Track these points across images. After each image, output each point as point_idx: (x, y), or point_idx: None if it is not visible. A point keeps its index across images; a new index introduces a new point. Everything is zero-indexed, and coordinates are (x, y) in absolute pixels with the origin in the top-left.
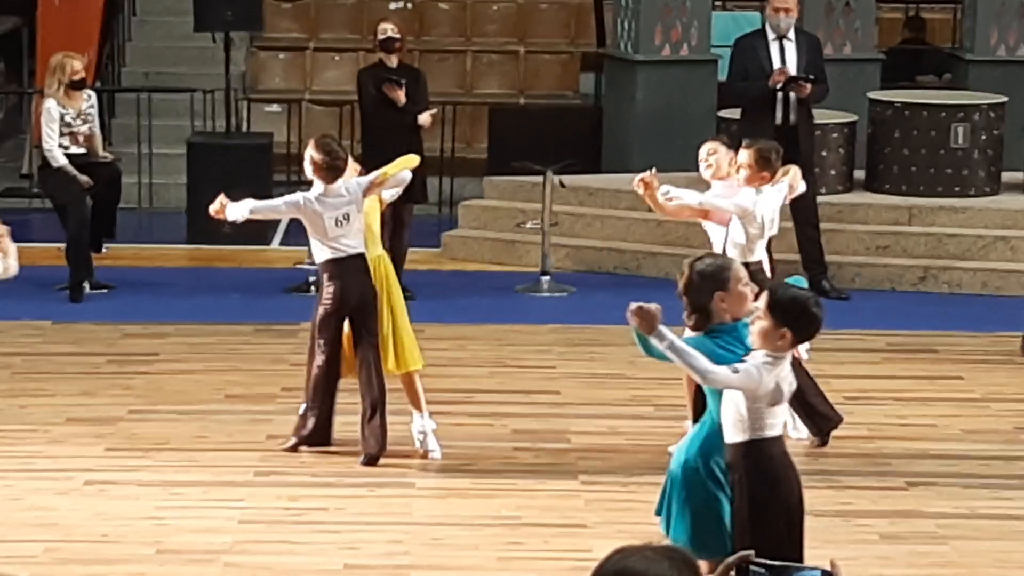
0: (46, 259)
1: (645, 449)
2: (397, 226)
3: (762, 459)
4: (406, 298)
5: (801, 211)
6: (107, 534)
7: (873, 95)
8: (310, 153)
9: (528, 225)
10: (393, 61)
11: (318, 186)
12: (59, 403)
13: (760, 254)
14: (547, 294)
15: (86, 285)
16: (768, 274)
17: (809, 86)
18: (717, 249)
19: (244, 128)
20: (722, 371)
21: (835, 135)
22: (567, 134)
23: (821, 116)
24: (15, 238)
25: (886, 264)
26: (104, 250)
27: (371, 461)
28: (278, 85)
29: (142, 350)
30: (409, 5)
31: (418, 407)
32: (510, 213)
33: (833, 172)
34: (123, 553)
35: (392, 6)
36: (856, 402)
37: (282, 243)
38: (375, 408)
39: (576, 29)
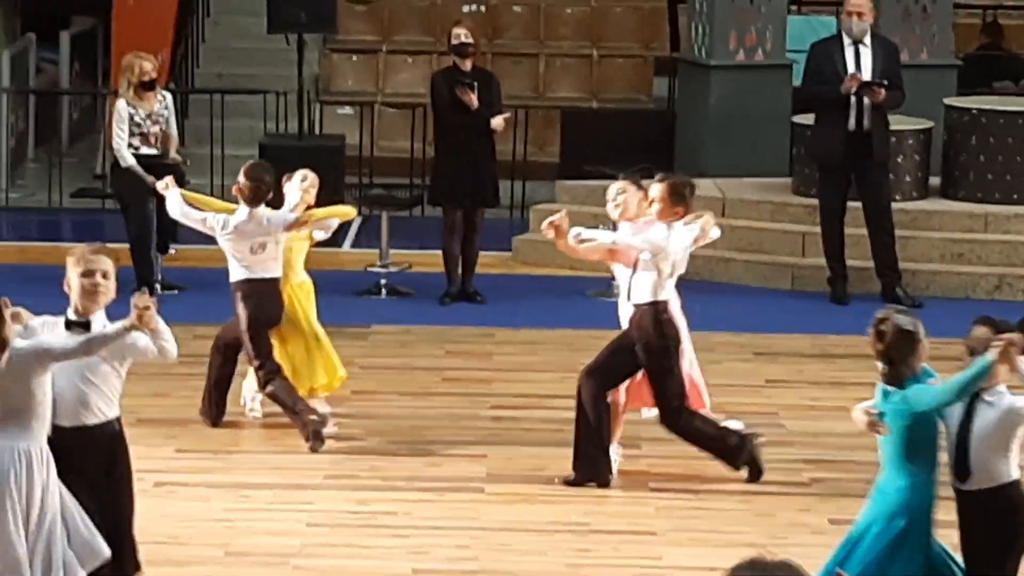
0: (120, 260)
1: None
2: (468, 231)
3: None
4: (476, 301)
5: (875, 217)
6: (176, 536)
7: (949, 101)
8: (239, 178)
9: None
10: (467, 65)
11: (242, 211)
12: (130, 404)
13: (670, 293)
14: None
15: (157, 286)
16: (679, 313)
17: (883, 92)
18: (623, 290)
19: (316, 130)
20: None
21: (911, 141)
22: (640, 138)
23: (897, 122)
24: (92, 236)
25: (961, 272)
26: (171, 251)
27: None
28: (351, 87)
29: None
30: (482, 8)
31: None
32: (582, 217)
33: (908, 178)
34: (192, 555)
35: (465, 9)
36: None
37: (353, 246)
38: None
39: (649, 33)
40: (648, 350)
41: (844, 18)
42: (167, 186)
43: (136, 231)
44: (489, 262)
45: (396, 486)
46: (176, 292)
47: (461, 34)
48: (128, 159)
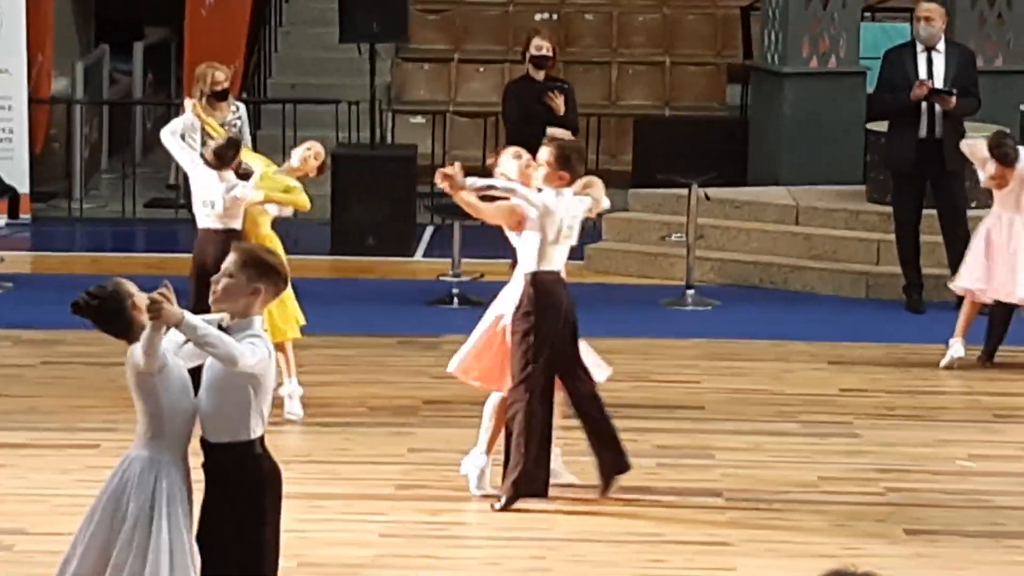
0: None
1: (790, 466)
2: None
3: None
4: None
5: (950, 225)
6: None
7: None
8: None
9: (673, 238)
10: (540, 76)
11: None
12: None
13: (558, 264)
14: (692, 308)
15: None
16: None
17: (953, 99)
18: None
19: (388, 139)
20: None
21: None
22: (712, 146)
23: (972, 129)
24: (165, 247)
25: None
26: None
27: None
28: (422, 96)
29: None
30: (555, 17)
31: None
32: (655, 226)
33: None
34: None
35: (537, 17)
36: (1007, 420)
37: (425, 255)
38: None
39: (722, 40)
40: (514, 316)
41: (915, 24)
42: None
43: None
44: None
45: (468, 496)
46: None
47: (543, 46)
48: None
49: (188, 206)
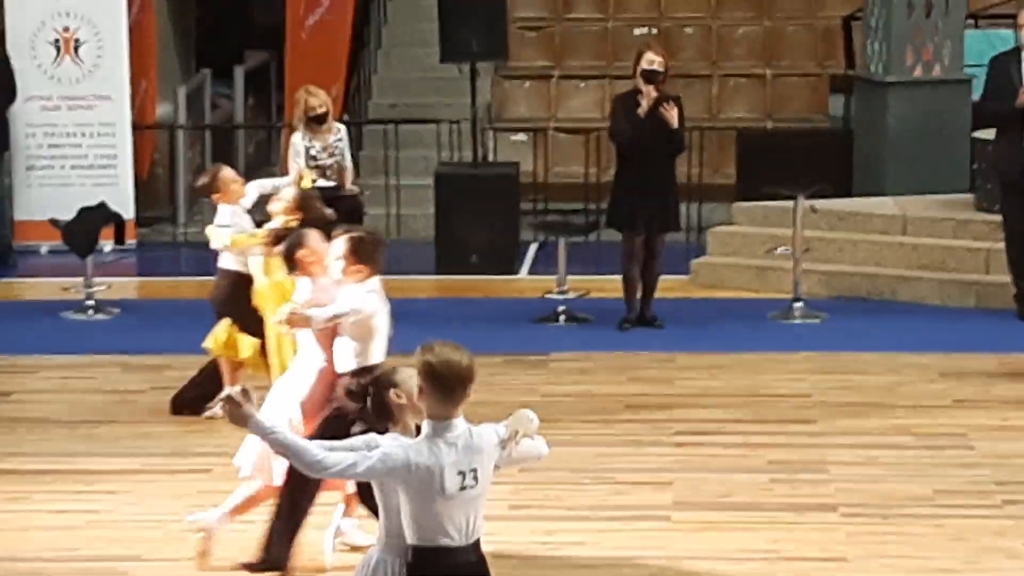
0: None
1: (906, 479)
2: (648, 256)
3: None
4: (655, 327)
5: None
6: None
7: None
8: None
9: (779, 251)
10: (650, 90)
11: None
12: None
13: (381, 355)
14: (800, 321)
15: None
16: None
17: None
18: (320, 360)
19: (490, 158)
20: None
21: None
22: (817, 158)
23: None
24: None
25: None
26: None
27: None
28: (523, 114)
29: None
30: (655, 31)
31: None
32: (760, 239)
33: None
34: None
35: (637, 32)
36: None
37: (530, 272)
38: None
39: (824, 51)
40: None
41: (1018, 31)
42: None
43: None
44: (667, 286)
45: (582, 516)
46: None
47: (655, 61)
48: None
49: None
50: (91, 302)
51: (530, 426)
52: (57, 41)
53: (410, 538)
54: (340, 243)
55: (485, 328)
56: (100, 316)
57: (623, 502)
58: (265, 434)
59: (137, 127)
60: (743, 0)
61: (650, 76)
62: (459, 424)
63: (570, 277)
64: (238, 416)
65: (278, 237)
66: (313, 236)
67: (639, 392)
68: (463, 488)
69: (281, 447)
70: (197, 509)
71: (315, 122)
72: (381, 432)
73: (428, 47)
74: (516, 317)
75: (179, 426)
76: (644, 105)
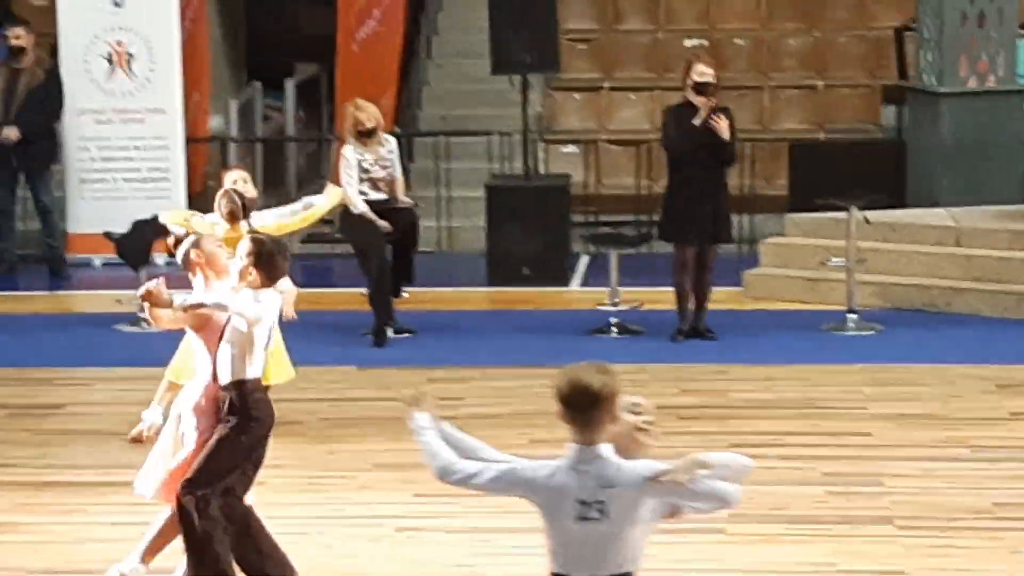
0: (349, 304)
1: (963, 492)
2: (701, 267)
3: None
4: (708, 338)
5: None
6: None
7: None
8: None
9: (833, 262)
10: (701, 102)
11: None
12: (366, 449)
13: (259, 370)
14: (854, 333)
15: (389, 330)
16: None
17: None
18: (208, 371)
19: (541, 170)
20: None
21: None
22: (869, 168)
23: None
24: (322, 281)
25: None
26: (403, 295)
27: None
28: (574, 126)
29: (447, 394)
30: (705, 43)
31: None
32: (813, 250)
33: None
34: None
35: (688, 43)
36: None
37: (582, 285)
38: None
39: (876, 61)
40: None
41: None
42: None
43: (376, 275)
44: (719, 297)
45: None
46: (408, 336)
47: (706, 73)
48: (360, 205)
49: (342, 240)
50: (144, 315)
51: (696, 470)
52: (110, 55)
53: (548, 564)
54: (244, 243)
55: (537, 340)
56: (153, 329)
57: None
58: (415, 432)
59: (189, 140)
60: (794, 10)
61: (702, 88)
62: (599, 452)
63: (622, 289)
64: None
65: (177, 241)
66: (208, 240)
67: (692, 404)
68: (583, 519)
69: (423, 448)
70: None
71: (364, 136)
72: None
73: (479, 59)
74: (568, 329)
75: None
76: (699, 117)
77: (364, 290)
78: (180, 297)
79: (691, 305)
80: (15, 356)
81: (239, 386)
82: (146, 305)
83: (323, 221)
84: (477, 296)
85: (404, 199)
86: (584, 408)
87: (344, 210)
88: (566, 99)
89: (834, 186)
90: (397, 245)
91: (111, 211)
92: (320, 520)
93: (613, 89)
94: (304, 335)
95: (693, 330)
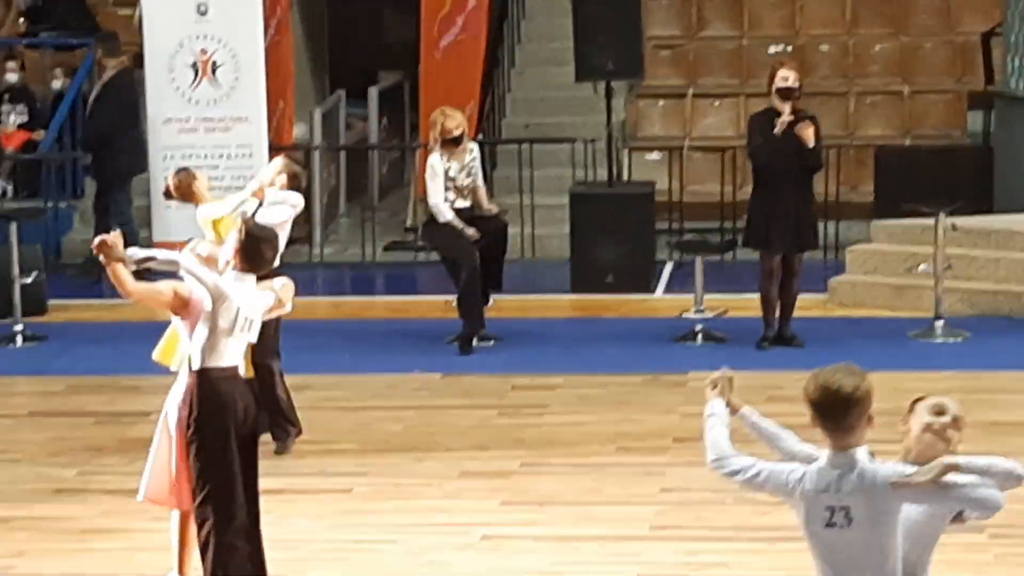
0: (434, 312)
1: None
2: (787, 275)
3: None
4: (794, 345)
5: None
6: None
7: None
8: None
9: (920, 269)
10: (786, 108)
11: None
12: (452, 456)
13: (232, 358)
14: (941, 340)
15: (474, 338)
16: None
17: None
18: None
19: (625, 177)
20: None
21: None
22: (956, 174)
23: None
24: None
25: None
26: (491, 302)
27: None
28: (658, 132)
29: (532, 402)
30: (789, 49)
31: None
32: (900, 257)
33: None
34: None
35: (772, 49)
36: None
37: (666, 292)
38: None
39: (962, 67)
40: (178, 423)
41: None
42: None
43: (466, 283)
44: (805, 305)
45: (725, 536)
46: (493, 343)
47: (789, 77)
48: (447, 214)
49: (426, 248)
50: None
51: (947, 473)
52: (195, 63)
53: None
54: (237, 228)
55: (621, 348)
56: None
57: (766, 523)
58: (707, 416)
59: (274, 148)
60: (879, 16)
61: (787, 93)
62: (852, 456)
63: (706, 296)
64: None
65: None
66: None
67: (779, 412)
68: (830, 525)
69: (708, 432)
70: (336, 530)
71: (451, 144)
72: None
73: (562, 66)
74: (653, 337)
75: (321, 446)
76: (778, 126)
77: (450, 298)
78: (133, 251)
79: (777, 312)
80: (103, 364)
81: (203, 374)
82: (104, 261)
83: (406, 229)
84: (561, 303)
85: (490, 206)
86: (837, 413)
87: (430, 218)
88: (650, 106)
89: (920, 192)
90: (486, 252)
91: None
92: (407, 527)
93: (697, 96)
94: (389, 343)
95: (779, 337)
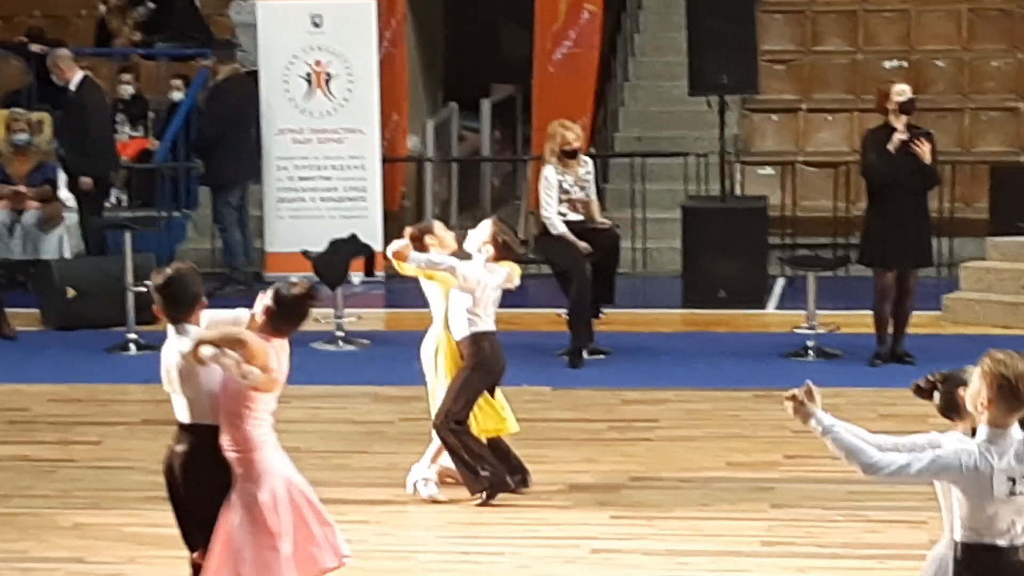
0: (544, 325)
1: None
2: (901, 292)
3: None
4: (907, 363)
5: None
6: None
7: None
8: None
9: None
10: (901, 123)
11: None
12: (562, 469)
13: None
14: None
15: (584, 351)
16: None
17: None
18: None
19: (738, 191)
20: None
21: None
22: None
23: None
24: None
25: None
26: (602, 316)
27: None
28: (771, 147)
29: (641, 416)
30: (905, 64)
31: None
32: (1014, 274)
33: None
34: None
35: (887, 65)
36: None
37: (778, 307)
38: None
39: None
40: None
41: None
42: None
43: (577, 296)
44: (918, 322)
45: (835, 553)
46: (603, 356)
47: (907, 90)
48: (559, 226)
49: (535, 261)
50: (341, 333)
51: None
52: (309, 75)
53: (959, 535)
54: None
55: (733, 362)
56: (350, 347)
57: (876, 540)
58: (825, 432)
59: (387, 160)
60: (996, 31)
61: (908, 107)
62: (1013, 433)
63: (819, 312)
64: (802, 413)
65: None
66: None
67: (891, 429)
68: (1012, 494)
69: (838, 446)
70: (446, 541)
71: (568, 156)
72: None
73: (675, 80)
74: (765, 352)
75: None
76: (893, 141)
77: (561, 311)
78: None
79: (890, 329)
80: None
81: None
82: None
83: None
84: (672, 318)
85: (602, 220)
86: (1021, 398)
87: (542, 231)
88: (763, 120)
89: None
90: (597, 266)
91: (308, 230)
92: (516, 540)
93: (811, 111)
94: None
95: (892, 354)
